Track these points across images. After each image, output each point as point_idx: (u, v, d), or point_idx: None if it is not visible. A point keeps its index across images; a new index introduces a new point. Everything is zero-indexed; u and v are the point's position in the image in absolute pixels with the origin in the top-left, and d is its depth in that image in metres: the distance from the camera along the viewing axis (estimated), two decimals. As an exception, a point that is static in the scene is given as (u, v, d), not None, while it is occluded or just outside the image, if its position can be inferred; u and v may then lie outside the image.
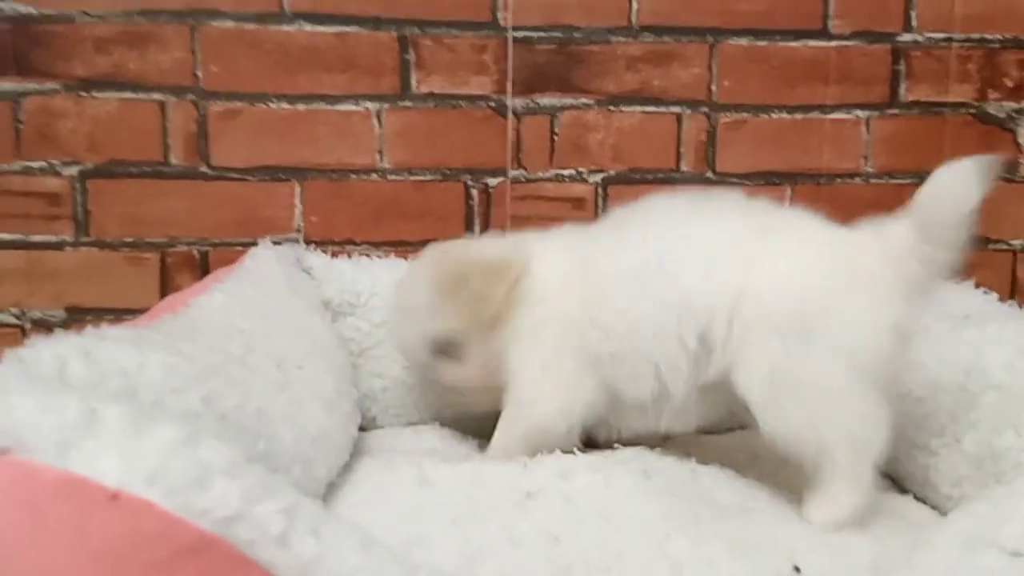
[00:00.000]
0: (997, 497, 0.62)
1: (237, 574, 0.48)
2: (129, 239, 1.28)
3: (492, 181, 1.33)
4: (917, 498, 0.95)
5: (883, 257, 0.87)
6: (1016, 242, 1.43)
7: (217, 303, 0.90)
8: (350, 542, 0.53)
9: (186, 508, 0.48)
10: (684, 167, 1.37)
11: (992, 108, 1.39)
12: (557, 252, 1.00)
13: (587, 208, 1.36)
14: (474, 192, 1.33)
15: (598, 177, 1.35)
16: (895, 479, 1.01)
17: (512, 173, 1.34)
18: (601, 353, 0.93)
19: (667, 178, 1.37)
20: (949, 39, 1.37)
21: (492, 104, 1.32)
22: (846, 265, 0.88)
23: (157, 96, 1.26)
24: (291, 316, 0.98)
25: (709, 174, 1.37)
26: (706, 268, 0.88)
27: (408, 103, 1.30)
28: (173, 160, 1.27)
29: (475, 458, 0.91)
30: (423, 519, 0.77)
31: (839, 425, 0.83)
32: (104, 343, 0.61)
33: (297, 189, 1.30)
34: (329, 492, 0.84)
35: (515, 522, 0.76)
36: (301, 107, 1.28)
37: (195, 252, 1.29)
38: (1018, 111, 1.40)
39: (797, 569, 0.70)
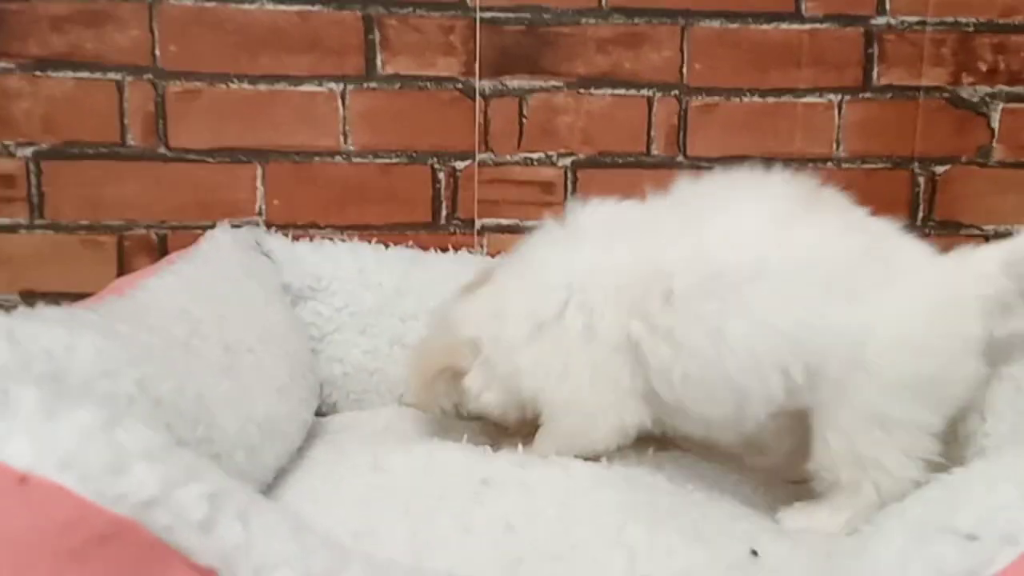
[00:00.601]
0: (950, 482, 0.60)
1: (154, 561, 0.46)
2: (85, 222, 1.25)
3: (459, 164, 1.31)
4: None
5: (981, 304, 0.81)
6: (989, 227, 1.42)
7: (167, 285, 0.88)
8: (280, 529, 0.51)
9: (101, 493, 0.45)
10: (655, 151, 1.35)
11: (966, 92, 1.38)
12: (596, 250, 0.86)
13: (556, 192, 1.34)
14: (441, 175, 1.31)
15: (567, 161, 1.33)
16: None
17: (480, 156, 1.31)
18: (669, 373, 0.81)
19: (637, 162, 1.35)
20: (923, 22, 1.36)
21: (460, 86, 1.29)
22: (958, 322, 0.81)
23: (114, 76, 1.23)
24: (245, 300, 0.96)
25: (680, 158, 1.35)
26: (826, 294, 0.78)
27: (373, 84, 1.27)
28: (131, 141, 1.24)
29: (431, 443, 0.89)
30: (374, 508, 0.75)
31: (893, 461, 0.77)
32: (30, 323, 0.59)
33: (259, 171, 1.27)
34: (279, 479, 0.81)
35: (469, 511, 0.75)
36: (263, 88, 1.25)
37: (153, 235, 1.26)
38: (992, 95, 1.38)
39: (754, 552, 0.69)
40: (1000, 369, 0.86)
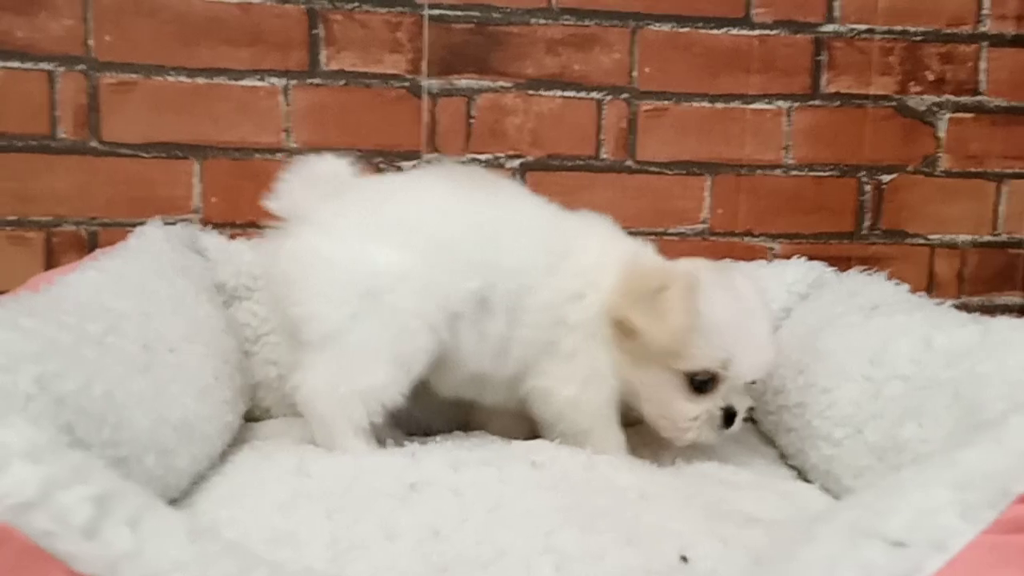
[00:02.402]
0: (883, 487, 0.59)
1: (30, 568, 0.43)
2: (12, 217, 1.20)
3: (406, 164, 1.29)
4: (822, 489, 0.93)
5: None
6: (934, 237, 1.43)
7: (87, 280, 0.84)
8: (176, 535, 0.48)
9: (-27, 495, 0.42)
10: (604, 154, 1.34)
11: (912, 101, 1.39)
12: None
13: (504, 194, 1.31)
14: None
15: (516, 163, 1.31)
16: (800, 470, 0.99)
17: (427, 156, 1.29)
18: None
19: (587, 165, 1.33)
20: (871, 31, 1.36)
21: (406, 84, 1.27)
22: None
23: (45, 66, 1.19)
24: (173, 297, 0.92)
25: (629, 162, 1.34)
26: None
27: (317, 80, 1.25)
28: (61, 134, 1.20)
29: (362, 448, 0.86)
30: (295, 513, 0.72)
31: None
32: (-82, 315, 0.55)
33: (196, 167, 1.23)
34: (197, 484, 0.78)
35: (394, 516, 0.72)
36: (201, 81, 1.22)
37: (83, 232, 1.22)
38: (939, 105, 1.39)
39: (684, 559, 0.67)
40: (938, 374, 0.85)
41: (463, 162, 1.29)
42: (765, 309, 0.97)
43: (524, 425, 1.00)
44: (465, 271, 0.92)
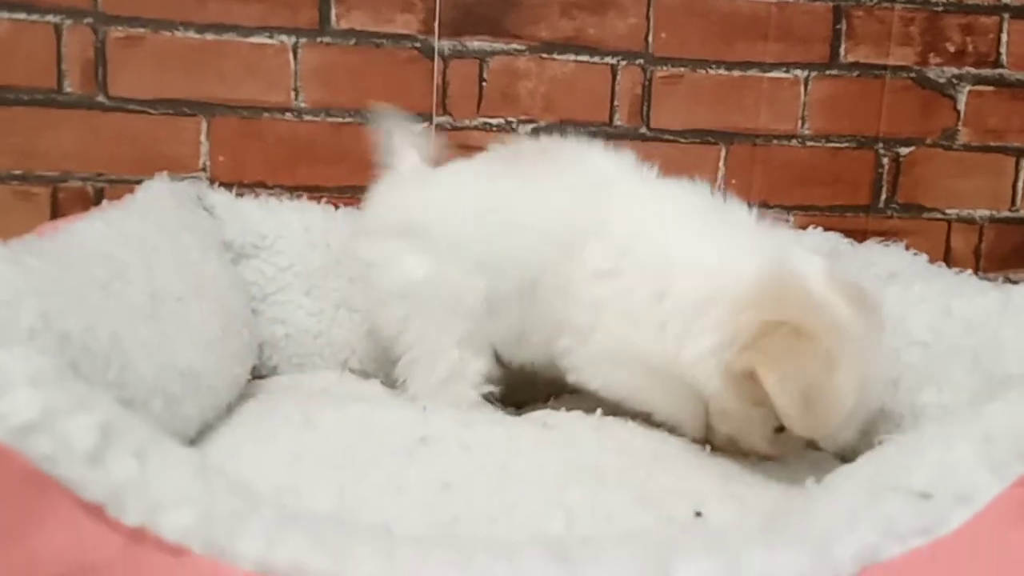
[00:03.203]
0: (904, 443, 0.57)
1: (33, 491, 0.42)
2: (18, 172, 1.18)
3: (416, 127, 1.26)
4: (837, 459, 0.92)
5: None
6: (951, 212, 1.40)
7: (93, 229, 0.82)
8: (181, 468, 0.47)
9: (-26, 416, 0.41)
10: (618, 121, 1.32)
11: (932, 73, 1.36)
12: None
13: (515, 160, 1.30)
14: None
15: (528, 128, 1.29)
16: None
17: (437, 119, 1.27)
18: None
19: (600, 132, 1.31)
20: (892, 0, 1.34)
21: (418, 45, 1.25)
22: None
23: (52, 18, 1.17)
24: (179, 252, 0.90)
25: (643, 130, 1.32)
26: None
27: (327, 39, 1.23)
28: (68, 88, 1.18)
29: (370, 402, 0.85)
30: (301, 464, 0.70)
31: None
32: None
33: (204, 125, 1.21)
34: (203, 434, 0.77)
35: (403, 469, 0.71)
36: (210, 37, 1.20)
37: (89, 188, 1.20)
38: (959, 77, 1.37)
39: (699, 514, 0.66)
40: (958, 341, 0.84)
41: (475, 127, 1.28)
42: None
43: None
44: (474, 269, 0.91)
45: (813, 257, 0.84)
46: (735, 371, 0.73)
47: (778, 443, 0.80)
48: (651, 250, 0.83)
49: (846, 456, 0.89)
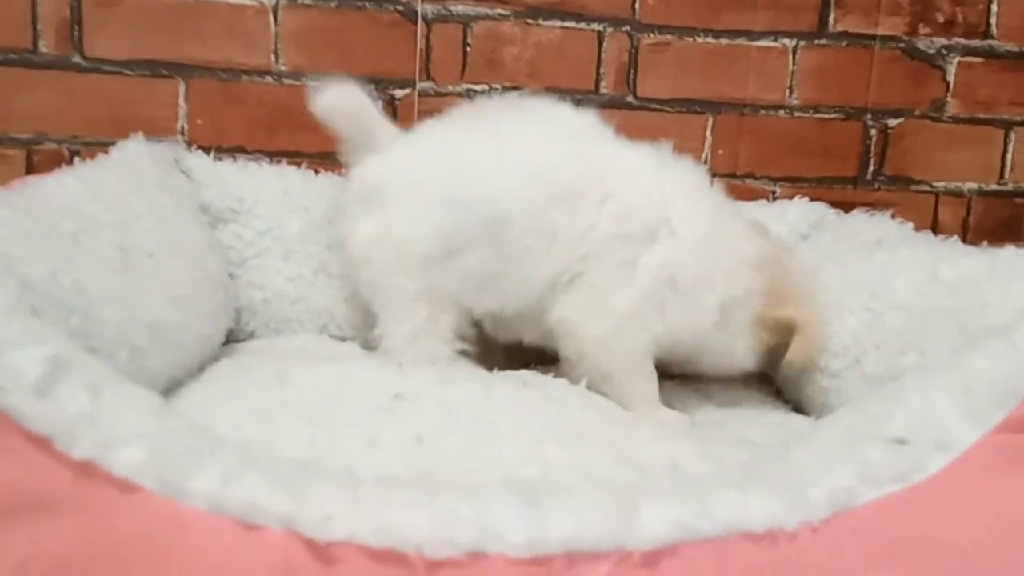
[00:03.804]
0: (883, 394, 0.56)
1: (-24, 423, 0.40)
2: (-8, 133, 1.16)
3: (399, 93, 1.25)
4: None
5: None
6: (939, 184, 1.39)
7: (63, 185, 0.80)
8: (137, 405, 0.46)
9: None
10: (604, 89, 1.30)
11: (922, 43, 1.35)
12: None
13: (500, 127, 1.28)
14: (379, 104, 1.24)
15: (513, 95, 1.27)
16: (796, 405, 0.96)
17: (420, 85, 1.25)
18: None
19: (586, 100, 1.29)
20: (881, -31, 1.32)
21: (401, 8, 1.23)
22: None
23: (27, -23, 1.14)
24: (154, 210, 0.89)
25: (630, 98, 1.31)
26: None
27: (308, 1, 1.20)
28: (43, 48, 1.16)
29: (345, 360, 0.83)
30: (274, 419, 0.69)
31: None
32: None
33: (181, 88, 1.19)
34: (172, 391, 0.75)
35: (377, 424, 0.69)
36: (188, -3, 1.17)
37: (64, 150, 1.18)
38: (948, 48, 1.35)
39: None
40: (941, 303, 0.83)
41: (458, 92, 1.26)
42: None
43: None
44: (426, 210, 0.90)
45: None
46: (769, 319, 0.90)
47: None
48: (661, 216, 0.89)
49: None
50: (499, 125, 0.95)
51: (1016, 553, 0.47)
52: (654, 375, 0.89)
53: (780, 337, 0.90)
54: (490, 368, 0.87)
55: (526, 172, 0.89)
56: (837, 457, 0.51)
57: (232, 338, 1.02)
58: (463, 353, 0.90)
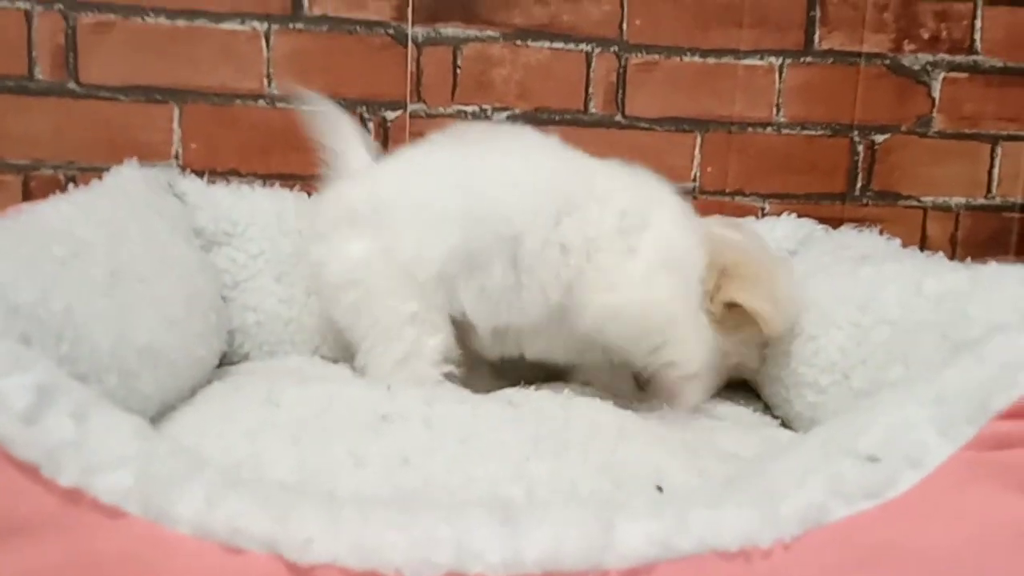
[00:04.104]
0: (859, 409, 0.57)
1: (-37, 452, 0.41)
2: (-12, 159, 1.18)
3: (390, 114, 1.26)
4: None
5: None
6: (927, 199, 1.41)
7: (58, 210, 0.82)
8: (121, 431, 0.47)
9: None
10: (593, 108, 1.31)
11: (907, 60, 1.37)
12: None
13: (490, 147, 1.29)
14: (370, 125, 1.26)
15: (503, 115, 1.29)
16: (784, 420, 0.97)
17: (411, 107, 1.27)
18: None
19: (575, 120, 1.31)
20: (866, -13, 1.34)
21: (391, 31, 1.25)
22: None
23: (22, 4, 1.16)
24: (146, 234, 0.90)
25: (619, 117, 1.32)
26: None
27: (300, 25, 1.22)
28: (39, 75, 1.17)
29: (333, 381, 0.84)
30: (261, 439, 0.70)
31: None
32: None
33: (175, 112, 1.21)
34: (164, 414, 0.76)
35: (364, 444, 0.70)
36: (181, 23, 1.19)
37: (60, 176, 1.19)
38: (933, 64, 1.37)
39: (659, 489, 0.65)
40: (926, 317, 0.84)
41: (449, 114, 1.27)
42: None
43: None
44: (436, 231, 0.91)
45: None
46: (719, 305, 0.93)
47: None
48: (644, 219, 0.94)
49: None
50: (492, 145, 0.97)
51: (987, 567, 0.48)
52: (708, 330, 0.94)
53: (735, 320, 0.94)
54: (477, 390, 0.88)
55: (533, 187, 0.92)
56: (809, 472, 0.52)
57: (226, 360, 1.03)
58: (449, 376, 0.91)
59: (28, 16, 1.16)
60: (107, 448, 0.44)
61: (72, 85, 1.18)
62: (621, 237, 0.92)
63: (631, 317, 0.89)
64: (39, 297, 0.61)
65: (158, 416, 0.76)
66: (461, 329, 0.94)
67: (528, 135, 1.01)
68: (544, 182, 0.93)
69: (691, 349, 0.91)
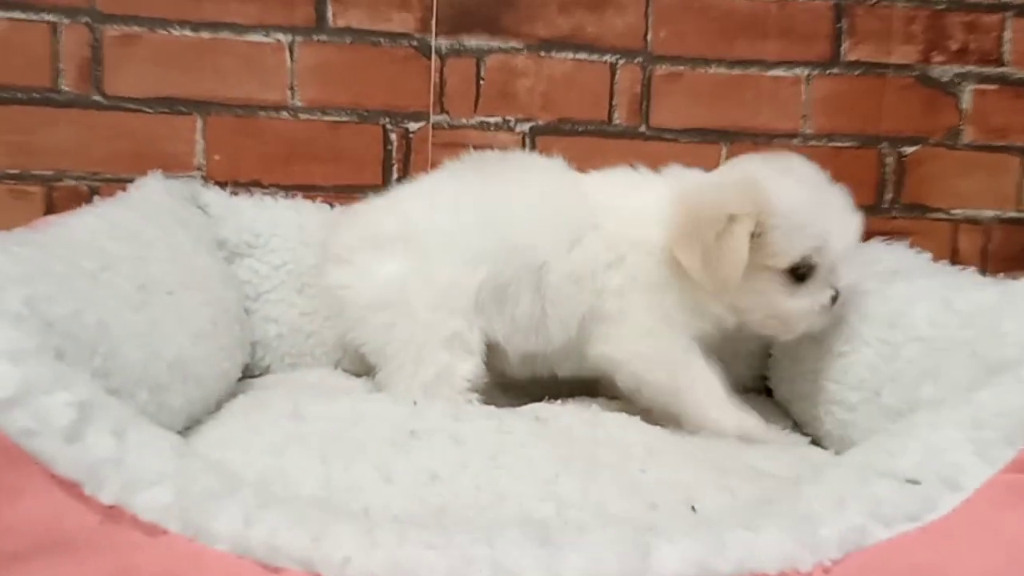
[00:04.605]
0: (895, 431, 0.56)
1: (8, 465, 0.41)
2: (13, 170, 1.18)
3: (413, 126, 1.26)
4: (836, 455, 0.90)
5: None
6: (957, 212, 1.39)
7: (84, 224, 0.82)
8: (160, 448, 0.46)
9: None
10: (617, 119, 1.31)
11: (935, 71, 1.35)
12: None
13: (514, 159, 1.29)
14: (393, 136, 1.26)
15: (526, 126, 1.29)
16: (814, 438, 0.95)
17: (434, 118, 1.26)
18: None
19: (599, 130, 1.30)
20: (893, -2, 1.33)
21: (415, 43, 1.24)
22: None
23: (49, 17, 1.17)
24: (171, 247, 0.90)
25: (643, 128, 1.31)
26: None
27: (324, 37, 1.22)
28: (64, 87, 1.18)
29: (359, 395, 0.84)
30: (287, 455, 0.69)
31: None
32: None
33: (199, 124, 1.21)
34: (191, 428, 0.76)
35: (393, 460, 0.70)
36: (206, 35, 1.19)
37: (84, 187, 1.20)
38: (962, 75, 1.35)
39: (693, 508, 0.64)
40: (955, 334, 0.82)
41: (472, 125, 1.27)
42: (829, 182, 0.94)
43: None
44: (469, 262, 0.92)
45: None
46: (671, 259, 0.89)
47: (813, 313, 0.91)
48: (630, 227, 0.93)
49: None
50: (510, 175, 0.99)
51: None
52: (713, 376, 0.91)
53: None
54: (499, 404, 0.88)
55: (552, 218, 0.94)
56: (848, 495, 0.51)
57: (247, 373, 1.02)
58: (476, 399, 0.91)
59: (54, 28, 1.17)
60: (146, 465, 0.44)
61: (97, 97, 1.19)
62: (611, 270, 0.93)
63: (643, 379, 0.90)
64: (73, 311, 0.61)
65: (185, 430, 0.75)
66: (491, 351, 0.94)
67: (541, 163, 1.02)
68: (559, 209, 0.95)
69: (705, 398, 0.90)
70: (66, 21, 1.17)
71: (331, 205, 1.19)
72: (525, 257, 0.92)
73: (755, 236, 0.86)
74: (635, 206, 0.95)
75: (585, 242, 0.94)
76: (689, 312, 0.91)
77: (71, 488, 0.43)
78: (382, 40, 1.23)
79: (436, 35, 1.24)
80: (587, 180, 1.00)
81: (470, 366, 0.91)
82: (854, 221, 0.92)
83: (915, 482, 0.50)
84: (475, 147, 1.27)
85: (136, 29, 1.18)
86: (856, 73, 1.34)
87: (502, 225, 0.93)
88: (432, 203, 0.96)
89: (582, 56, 1.28)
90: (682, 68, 1.31)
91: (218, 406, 0.83)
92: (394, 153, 1.26)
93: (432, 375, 0.89)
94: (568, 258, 0.93)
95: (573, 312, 0.93)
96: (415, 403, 0.81)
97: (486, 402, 0.91)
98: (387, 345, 0.92)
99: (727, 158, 1.33)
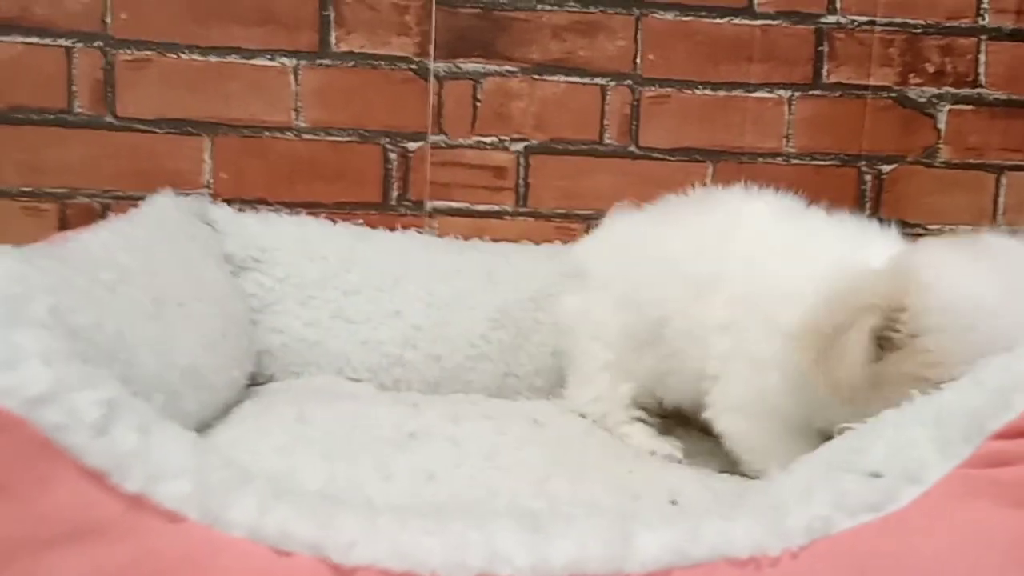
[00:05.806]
0: (862, 428, 0.61)
1: (40, 458, 0.45)
2: (27, 188, 1.23)
3: (412, 145, 1.31)
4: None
5: None
6: (934, 227, 1.44)
7: (99, 239, 0.87)
8: (180, 443, 0.51)
9: (-10, 387, 0.45)
10: (608, 139, 1.36)
11: (913, 93, 1.41)
12: None
13: (508, 177, 1.34)
14: (393, 156, 1.31)
15: (520, 146, 1.34)
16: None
17: (433, 138, 1.31)
18: None
19: (590, 150, 1.35)
20: (872, 22, 1.38)
21: (414, 67, 1.30)
22: None
23: (64, 42, 1.22)
24: (182, 261, 0.95)
25: (632, 148, 1.36)
26: None
27: (327, 61, 1.27)
28: (78, 108, 1.23)
29: (362, 399, 0.88)
30: (293, 455, 0.74)
31: None
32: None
33: (207, 144, 1.26)
34: (201, 432, 0.80)
35: (391, 460, 0.74)
36: (214, 59, 1.25)
37: (96, 204, 1.24)
38: (938, 96, 1.41)
39: (674, 502, 0.69)
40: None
41: (468, 145, 1.32)
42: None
43: None
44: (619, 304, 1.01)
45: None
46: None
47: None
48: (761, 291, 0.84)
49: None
50: (676, 220, 1.02)
51: (977, 573, 0.51)
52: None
53: None
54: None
55: (677, 272, 0.92)
56: (815, 487, 0.56)
57: (252, 381, 1.07)
58: (639, 420, 0.96)
59: (69, 53, 1.22)
60: (168, 458, 0.48)
61: (109, 118, 1.24)
62: (726, 334, 0.85)
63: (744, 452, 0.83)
64: (94, 321, 0.65)
65: (196, 433, 0.80)
66: None
67: (723, 200, 1.01)
68: (685, 264, 0.92)
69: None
70: (80, 45, 1.22)
71: (333, 221, 1.24)
72: (653, 310, 0.94)
73: (902, 337, 0.70)
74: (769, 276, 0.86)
75: (706, 301, 0.88)
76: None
77: (98, 479, 0.47)
78: (382, 64, 1.29)
79: (434, 59, 1.30)
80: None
81: (629, 387, 0.97)
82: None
83: (878, 475, 0.55)
84: (471, 166, 1.33)
85: (147, 53, 1.23)
86: (837, 95, 1.39)
87: (639, 274, 0.99)
88: (606, 241, 1.11)
89: (574, 79, 1.34)
90: (670, 90, 1.36)
91: (227, 411, 0.88)
92: (394, 172, 1.31)
93: (594, 392, 0.99)
94: (687, 313, 0.89)
95: (692, 371, 0.89)
96: (415, 405, 0.85)
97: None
98: (567, 363, 1.07)
99: (713, 176, 1.38)
